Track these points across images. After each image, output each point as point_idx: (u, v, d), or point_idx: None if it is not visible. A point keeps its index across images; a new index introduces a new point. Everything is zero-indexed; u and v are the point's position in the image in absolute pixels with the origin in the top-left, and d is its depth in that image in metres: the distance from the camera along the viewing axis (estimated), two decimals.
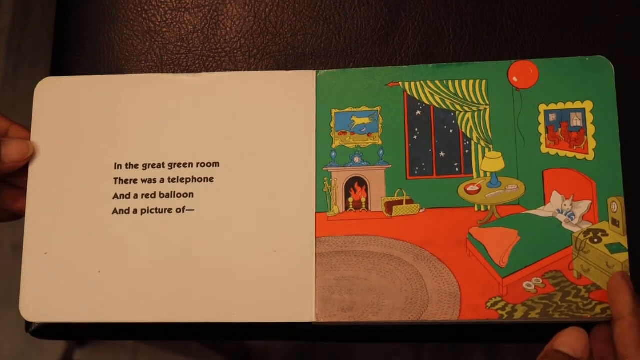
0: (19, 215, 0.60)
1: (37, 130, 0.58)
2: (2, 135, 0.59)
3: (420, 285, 0.55)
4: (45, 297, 0.56)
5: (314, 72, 0.59)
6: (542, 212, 0.55)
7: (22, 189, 0.58)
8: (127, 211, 0.57)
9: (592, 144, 0.56)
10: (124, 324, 0.58)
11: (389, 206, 0.56)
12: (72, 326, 0.60)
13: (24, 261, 0.57)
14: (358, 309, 0.55)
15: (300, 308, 0.55)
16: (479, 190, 0.56)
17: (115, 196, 0.57)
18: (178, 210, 0.57)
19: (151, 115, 0.58)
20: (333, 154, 0.57)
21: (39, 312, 0.56)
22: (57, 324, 0.59)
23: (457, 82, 0.58)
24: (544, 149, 0.56)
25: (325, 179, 0.57)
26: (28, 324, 0.61)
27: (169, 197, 0.57)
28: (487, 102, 0.57)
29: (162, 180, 0.57)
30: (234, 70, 0.62)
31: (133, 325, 0.59)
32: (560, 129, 0.56)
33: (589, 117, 0.56)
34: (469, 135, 0.57)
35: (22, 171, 0.58)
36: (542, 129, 0.56)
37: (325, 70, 0.59)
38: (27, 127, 0.59)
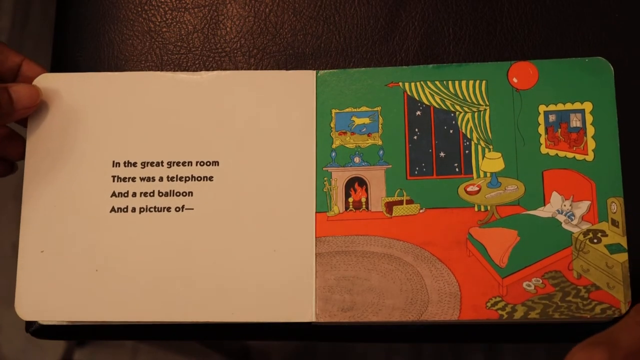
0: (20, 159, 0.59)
1: (34, 127, 0.58)
2: (15, 71, 0.58)
3: (420, 285, 0.55)
4: (41, 296, 0.56)
5: (314, 72, 0.59)
6: (542, 212, 0.56)
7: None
8: (125, 209, 0.57)
9: (591, 144, 0.56)
10: (124, 324, 0.58)
11: (389, 206, 0.56)
12: (72, 326, 0.60)
13: (19, 259, 0.56)
14: (358, 309, 0.55)
15: (300, 308, 0.55)
16: (479, 191, 0.56)
17: (113, 194, 0.57)
18: (177, 209, 0.57)
19: (150, 113, 0.58)
20: (333, 154, 0.57)
21: (35, 310, 0.56)
22: (57, 324, 0.59)
23: (457, 82, 0.58)
24: (543, 150, 0.56)
25: (325, 179, 0.57)
26: (29, 324, 0.61)
27: (167, 195, 0.57)
28: (487, 103, 0.57)
29: (160, 179, 0.57)
30: (234, 70, 0.62)
31: (133, 325, 0.59)
32: (559, 130, 0.56)
33: (589, 118, 0.56)
34: (469, 135, 0.57)
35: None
36: (541, 129, 0.56)
37: (325, 70, 0.59)
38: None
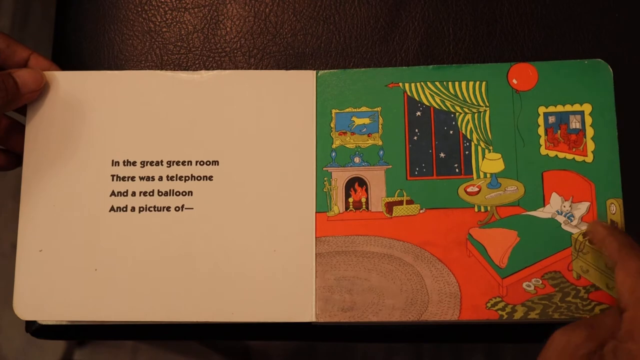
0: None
1: (32, 126, 0.58)
2: (23, 65, 0.59)
3: (420, 285, 0.55)
4: (39, 296, 0.56)
5: (314, 72, 0.59)
6: (542, 213, 0.56)
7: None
8: (124, 209, 0.57)
9: (591, 146, 0.56)
10: (124, 324, 0.58)
11: (389, 206, 0.56)
12: (72, 326, 0.60)
13: (18, 258, 0.56)
14: (358, 309, 0.55)
15: (300, 308, 0.55)
16: (479, 191, 0.56)
17: (113, 193, 0.57)
18: (177, 209, 0.57)
19: (150, 112, 0.58)
20: (333, 154, 0.57)
21: (33, 310, 0.56)
22: (57, 324, 0.59)
23: (457, 83, 0.58)
24: (543, 151, 0.56)
25: (325, 179, 0.57)
26: (29, 324, 0.61)
27: (167, 195, 0.57)
28: (487, 104, 0.57)
29: (160, 178, 0.57)
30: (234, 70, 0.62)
31: (133, 325, 0.59)
32: (559, 131, 0.56)
33: (588, 120, 0.56)
34: (469, 136, 0.57)
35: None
36: (541, 130, 0.57)
37: (325, 70, 0.59)
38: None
